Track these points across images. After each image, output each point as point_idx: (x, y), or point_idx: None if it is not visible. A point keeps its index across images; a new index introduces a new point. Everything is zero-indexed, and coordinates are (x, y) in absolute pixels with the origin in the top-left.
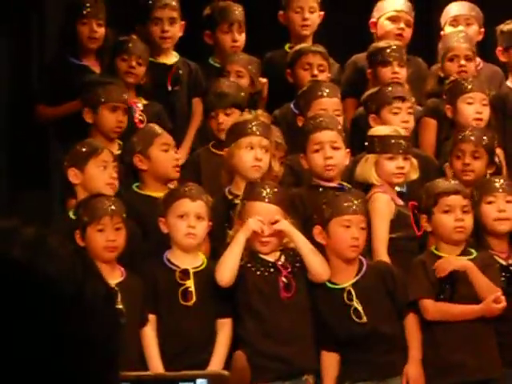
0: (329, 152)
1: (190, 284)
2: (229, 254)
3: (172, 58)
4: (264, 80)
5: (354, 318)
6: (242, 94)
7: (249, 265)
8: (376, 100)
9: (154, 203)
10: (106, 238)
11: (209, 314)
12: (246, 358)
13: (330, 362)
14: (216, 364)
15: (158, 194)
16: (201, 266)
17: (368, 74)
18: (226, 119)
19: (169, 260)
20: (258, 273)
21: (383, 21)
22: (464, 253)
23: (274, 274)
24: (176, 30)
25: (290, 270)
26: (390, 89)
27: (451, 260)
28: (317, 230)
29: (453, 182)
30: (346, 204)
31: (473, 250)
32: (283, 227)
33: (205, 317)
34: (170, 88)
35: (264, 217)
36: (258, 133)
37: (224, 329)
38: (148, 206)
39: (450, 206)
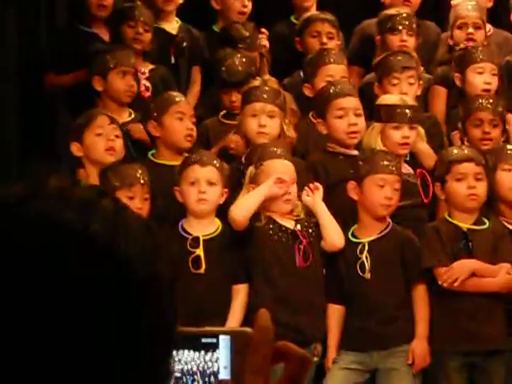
0: (353, 119)
1: (200, 252)
2: (248, 197)
3: (174, 23)
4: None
5: (359, 271)
6: (254, 68)
7: (267, 228)
8: (379, 69)
9: (166, 172)
10: (135, 206)
11: (222, 280)
12: (269, 317)
13: (336, 315)
14: None
15: (171, 162)
16: (214, 232)
17: (377, 40)
18: (239, 96)
19: (184, 228)
20: (276, 238)
21: None
22: (477, 222)
23: (292, 242)
24: None
25: (308, 239)
26: (391, 58)
27: (457, 271)
28: (351, 185)
29: (466, 149)
30: (382, 163)
31: (486, 220)
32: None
33: (218, 284)
34: (173, 61)
35: (285, 174)
36: (261, 99)
37: (239, 295)
38: (160, 175)
39: (463, 173)
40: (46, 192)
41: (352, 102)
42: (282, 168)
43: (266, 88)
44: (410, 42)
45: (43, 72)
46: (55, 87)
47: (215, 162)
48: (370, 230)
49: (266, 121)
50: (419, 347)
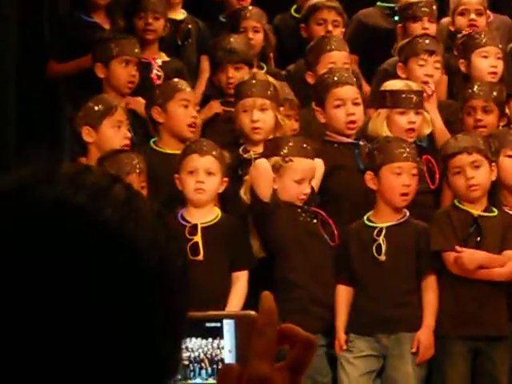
0: (351, 108)
1: (198, 239)
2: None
3: (180, 14)
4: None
5: (375, 253)
6: (252, 51)
7: (292, 208)
8: (405, 50)
9: (168, 160)
10: None
11: (222, 267)
12: (273, 299)
13: (345, 296)
14: None
15: (174, 150)
16: (212, 220)
17: (398, 28)
18: (236, 74)
19: (183, 217)
20: (301, 218)
21: None
22: (486, 209)
23: (316, 221)
24: None
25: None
26: (420, 40)
27: (467, 262)
28: (368, 175)
29: (459, 139)
30: (397, 151)
31: (495, 209)
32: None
33: (217, 271)
34: (179, 42)
35: (308, 175)
36: (250, 94)
37: (239, 282)
38: (162, 162)
39: (458, 166)
40: (59, 176)
41: (350, 91)
42: (308, 168)
43: (254, 82)
44: (432, 28)
45: (45, 60)
46: (57, 75)
47: (214, 151)
48: (387, 217)
49: (258, 115)
50: (425, 337)
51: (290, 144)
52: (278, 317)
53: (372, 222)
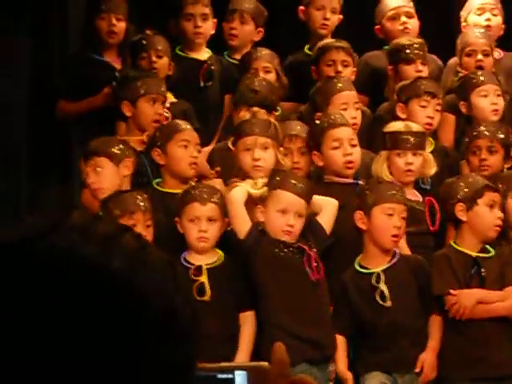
0: (348, 149)
1: (204, 279)
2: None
3: (204, 53)
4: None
5: (379, 300)
6: (273, 95)
7: (273, 247)
8: (407, 91)
9: (171, 200)
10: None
11: (228, 308)
12: (285, 350)
13: (343, 345)
14: (242, 359)
15: (176, 190)
16: (216, 262)
17: (389, 70)
18: (247, 116)
19: (186, 259)
20: (283, 254)
21: (385, 23)
22: (482, 250)
23: (300, 256)
24: (209, 27)
25: (314, 251)
26: (423, 82)
27: (464, 302)
28: (358, 215)
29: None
30: (389, 192)
31: (491, 249)
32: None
33: (224, 312)
34: (202, 84)
35: (292, 208)
36: (252, 133)
37: (247, 322)
38: (165, 203)
39: (492, 200)
40: (68, 226)
41: (346, 132)
42: (292, 201)
43: (255, 121)
44: (425, 71)
45: (56, 99)
46: (68, 114)
47: (215, 197)
48: (379, 259)
49: (259, 154)
50: (428, 358)
51: (277, 178)
52: (290, 368)
53: (364, 267)
